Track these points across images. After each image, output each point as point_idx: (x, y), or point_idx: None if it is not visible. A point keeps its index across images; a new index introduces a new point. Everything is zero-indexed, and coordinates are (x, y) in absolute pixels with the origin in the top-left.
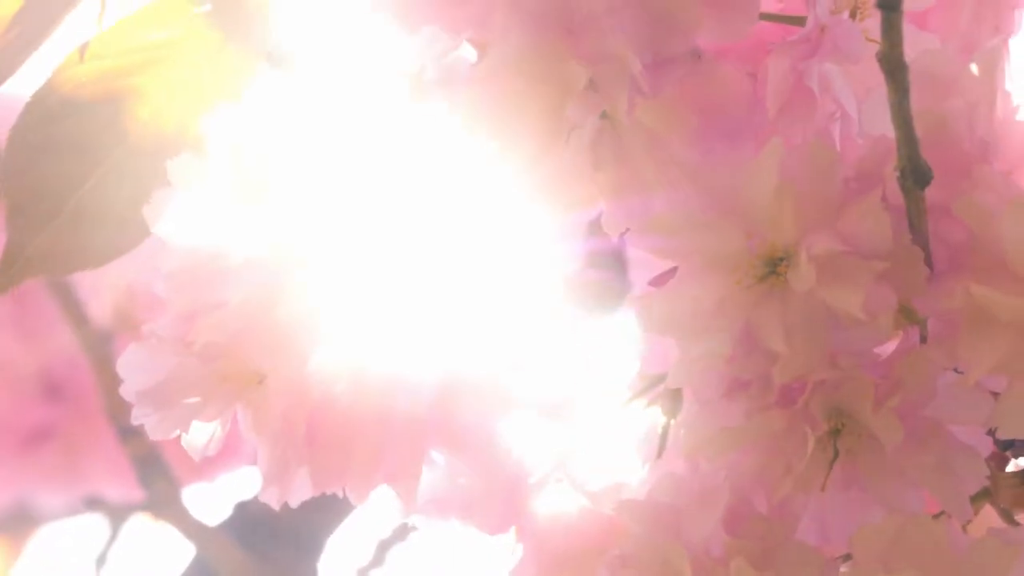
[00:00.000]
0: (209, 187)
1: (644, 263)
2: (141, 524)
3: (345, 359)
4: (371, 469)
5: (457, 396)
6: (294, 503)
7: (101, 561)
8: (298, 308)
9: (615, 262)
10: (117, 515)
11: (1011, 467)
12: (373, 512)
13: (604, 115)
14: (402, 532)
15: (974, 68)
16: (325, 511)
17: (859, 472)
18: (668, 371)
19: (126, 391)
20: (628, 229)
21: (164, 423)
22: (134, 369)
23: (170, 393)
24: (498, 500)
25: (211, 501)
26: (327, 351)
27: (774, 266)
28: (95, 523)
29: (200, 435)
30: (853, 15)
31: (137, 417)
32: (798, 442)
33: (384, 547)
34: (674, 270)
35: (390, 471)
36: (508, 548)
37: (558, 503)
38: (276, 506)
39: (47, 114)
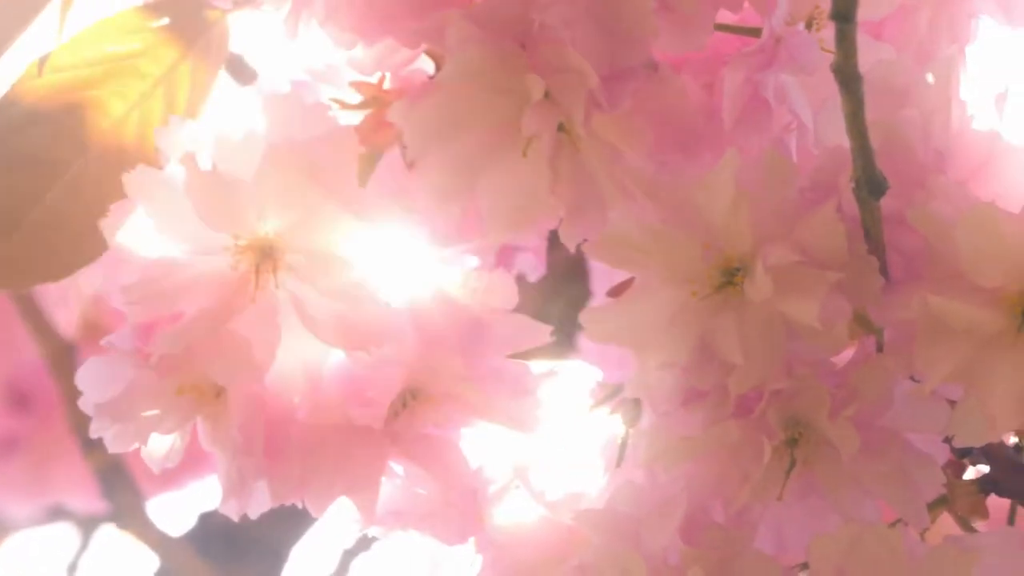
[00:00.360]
0: (166, 199)
1: (605, 273)
2: (112, 533)
3: (302, 371)
4: (330, 481)
5: (416, 407)
6: (253, 515)
7: (72, 569)
8: (255, 320)
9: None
10: (88, 524)
11: (969, 474)
12: (337, 522)
13: (561, 127)
14: (366, 542)
15: (929, 78)
16: (288, 521)
17: (816, 481)
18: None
19: (85, 403)
20: (585, 240)
21: (122, 436)
22: (92, 381)
23: (128, 406)
24: (457, 511)
25: (175, 512)
26: (284, 363)
27: (730, 276)
28: (66, 532)
29: (159, 447)
30: (809, 26)
31: (95, 430)
32: (755, 452)
33: (348, 557)
34: (631, 280)
35: (349, 483)
36: (468, 558)
37: (517, 513)
38: (236, 518)
39: (7, 126)
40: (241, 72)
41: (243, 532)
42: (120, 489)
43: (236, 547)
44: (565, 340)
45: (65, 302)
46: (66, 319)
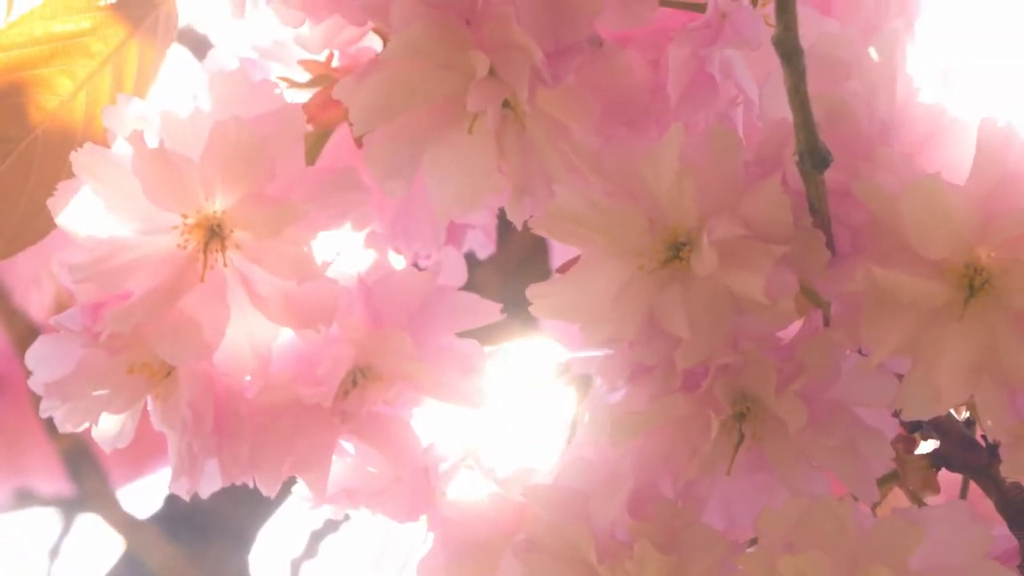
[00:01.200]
0: (114, 178)
1: (567, 251)
2: (93, 519)
3: (251, 350)
4: (280, 459)
5: (365, 385)
6: (204, 494)
7: (54, 553)
8: (203, 299)
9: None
10: (70, 508)
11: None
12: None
13: (506, 103)
14: (334, 523)
15: (873, 52)
16: (255, 503)
17: (765, 456)
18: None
19: (35, 383)
20: (532, 216)
21: (73, 414)
22: (42, 360)
23: (78, 385)
24: (408, 488)
25: (142, 495)
26: (234, 342)
27: (676, 251)
28: (47, 516)
29: (110, 427)
30: (754, 2)
31: (45, 408)
32: (703, 426)
33: (317, 538)
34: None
35: (299, 461)
36: (419, 536)
37: (468, 490)
38: (186, 497)
39: None
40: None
41: (210, 514)
42: (86, 472)
43: (203, 530)
44: (529, 319)
45: (38, 284)
46: (39, 301)
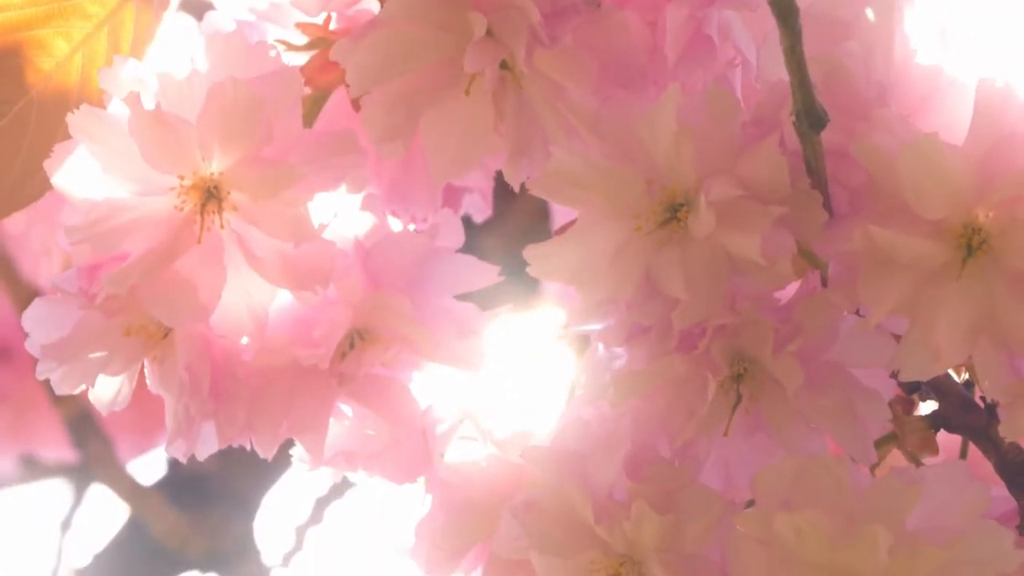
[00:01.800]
0: (111, 140)
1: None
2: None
3: (249, 312)
4: (277, 421)
5: (363, 347)
6: (201, 457)
7: (66, 525)
8: (200, 261)
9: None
10: (80, 480)
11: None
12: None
13: (504, 65)
14: (340, 489)
15: (870, 13)
16: (260, 469)
17: (762, 417)
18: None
19: (31, 345)
20: (529, 177)
21: (69, 377)
22: (39, 323)
23: (74, 347)
24: (406, 450)
25: (146, 461)
26: (231, 304)
27: (674, 212)
28: (58, 488)
29: (107, 390)
30: None
31: (42, 371)
32: (700, 387)
33: (322, 504)
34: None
35: (296, 423)
36: (418, 498)
37: (466, 452)
38: (183, 459)
39: None
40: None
41: (214, 480)
42: (90, 438)
43: (208, 496)
44: (532, 286)
45: (47, 253)
46: (48, 270)
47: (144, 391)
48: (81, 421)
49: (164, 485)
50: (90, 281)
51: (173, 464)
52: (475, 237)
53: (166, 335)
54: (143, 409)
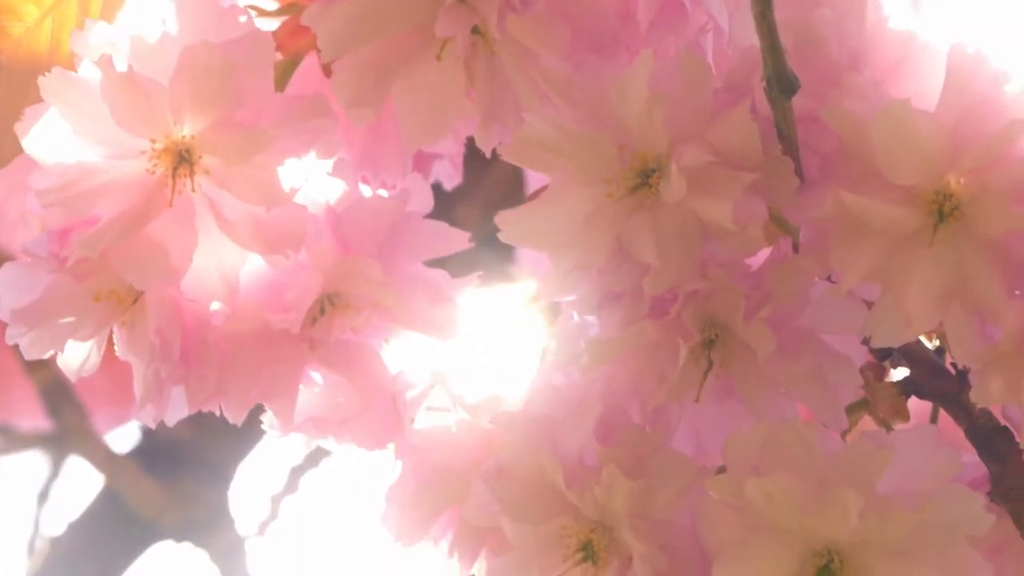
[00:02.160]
0: (82, 103)
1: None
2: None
3: (219, 276)
4: (247, 387)
5: (334, 313)
6: (170, 422)
7: (43, 497)
8: (171, 224)
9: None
10: (58, 452)
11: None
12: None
13: (476, 30)
14: (315, 458)
15: None
16: (235, 438)
17: (734, 383)
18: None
19: (1, 310)
20: (501, 143)
21: (38, 342)
22: (9, 288)
23: (44, 311)
24: (376, 416)
25: (120, 430)
26: (201, 268)
27: (645, 178)
28: (36, 460)
29: (76, 355)
30: None
31: (11, 336)
32: (671, 353)
33: (297, 473)
34: None
35: (266, 389)
36: (388, 464)
37: (436, 418)
38: (152, 425)
39: None
40: None
41: (189, 450)
42: (65, 407)
43: (182, 465)
44: (507, 254)
45: (24, 222)
46: (24, 239)
47: (120, 363)
48: (55, 390)
49: (139, 454)
50: (61, 245)
51: (148, 433)
52: (450, 206)
53: (136, 300)
54: (119, 381)
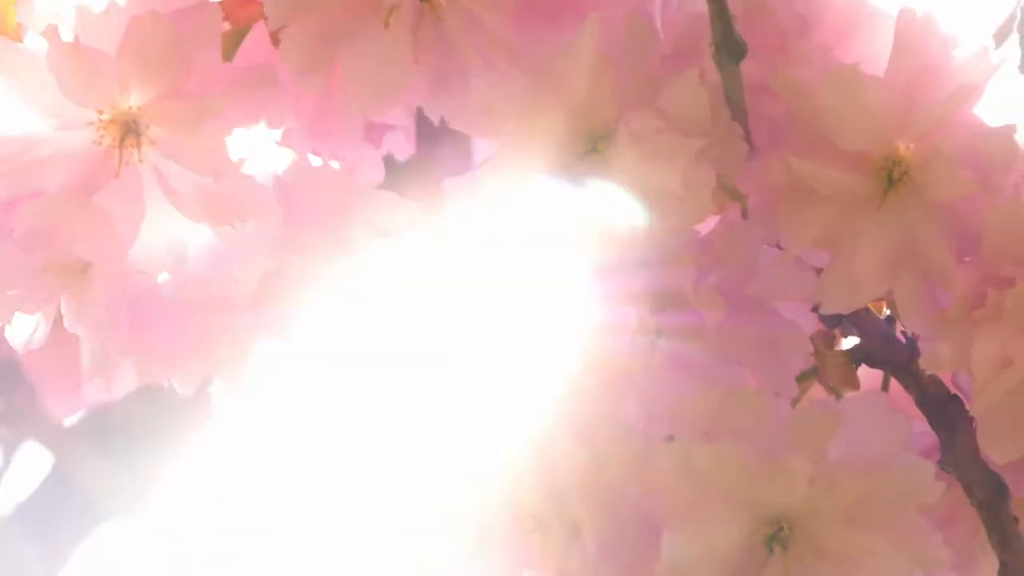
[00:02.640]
0: (28, 73)
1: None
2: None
3: (167, 248)
4: (195, 359)
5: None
6: (119, 395)
7: None
8: (119, 195)
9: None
10: (11, 441)
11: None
12: None
13: None
14: None
15: None
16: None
17: (685, 352)
18: None
19: None
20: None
21: None
22: None
23: None
24: None
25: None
26: (149, 240)
27: (594, 144)
28: None
29: (23, 328)
30: None
31: None
32: None
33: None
34: None
35: (216, 360)
36: None
37: None
38: (101, 398)
39: None
40: None
41: (138, 427)
42: (12, 386)
43: (131, 442)
44: None
45: None
46: None
47: (73, 347)
48: (4, 370)
49: (88, 432)
50: (7, 217)
51: (97, 411)
52: (398, 176)
53: (84, 271)
54: (70, 365)
